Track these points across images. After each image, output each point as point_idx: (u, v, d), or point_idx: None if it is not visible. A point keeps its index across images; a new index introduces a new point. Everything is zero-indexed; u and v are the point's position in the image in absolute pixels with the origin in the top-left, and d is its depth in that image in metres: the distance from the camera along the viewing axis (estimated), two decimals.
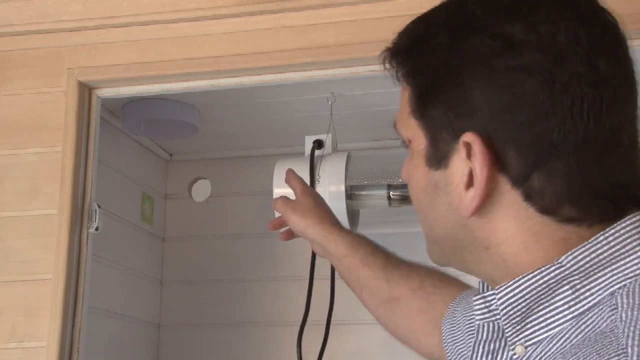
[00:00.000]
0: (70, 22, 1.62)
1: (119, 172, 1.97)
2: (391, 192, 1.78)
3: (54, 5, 1.63)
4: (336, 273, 1.80)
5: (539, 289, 0.68)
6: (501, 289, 0.71)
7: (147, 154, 2.14)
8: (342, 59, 1.52)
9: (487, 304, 0.74)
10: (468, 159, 0.70)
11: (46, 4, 1.63)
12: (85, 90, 1.62)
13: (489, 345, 0.75)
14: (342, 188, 1.75)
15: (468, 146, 0.70)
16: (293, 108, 1.93)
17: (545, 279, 0.68)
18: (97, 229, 1.57)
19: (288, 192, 1.79)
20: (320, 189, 1.75)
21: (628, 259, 0.66)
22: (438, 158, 0.73)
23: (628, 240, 0.67)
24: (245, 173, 2.19)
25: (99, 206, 1.58)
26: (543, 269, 0.68)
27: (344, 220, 1.76)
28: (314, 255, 1.76)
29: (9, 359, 1.50)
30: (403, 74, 0.77)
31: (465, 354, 0.96)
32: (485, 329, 0.75)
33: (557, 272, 0.68)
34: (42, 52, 1.64)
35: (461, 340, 0.99)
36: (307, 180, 1.75)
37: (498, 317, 0.72)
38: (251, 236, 2.15)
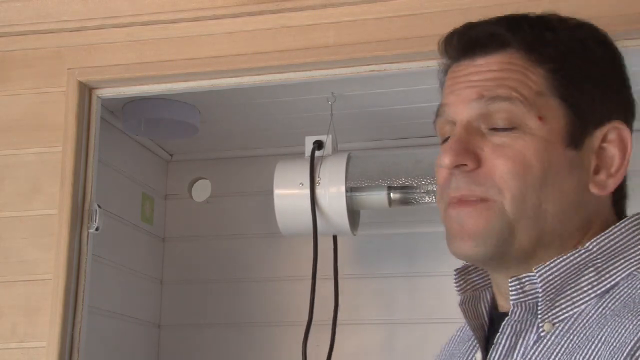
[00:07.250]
0: (71, 22, 1.62)
1: (119, 172, 1.97)
2: (391, 193, 1.78)
3: (55, 5, 1.63)
4: (339, 273, 1.81)
5: (571, 269, 0.80)
6: (541, 266, 0.80)
7: (147, 154, 2.14)
8: (342, 59, 1.52)
9: (522, 285, 0.81)
10: None
11: (46, 4, 1.63)
12: (86, 90, 1.62)
13: (517, 326, 0.82)
14: (343, 189, 1.75)
15: None
16: (293, 108, 1.93)
17: (576, 260, 0.80)
18: (97, 229, 1.57)
19: (288, 192, 1.80)
20: (320, 191, 1.75)
21: (635, 249, 0.82)
22: None
23: (633, 234, 0.83)
24: (245, 173, 2.18)
25: (99, 206, 1.58)
26: (575, 252, 0.81)
27: (344, 221, 1.76)
28: (315, 256, 1.76)
29: (9, 359, 1.50)
30: None
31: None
32: (518, 308, 0.81)
33: (584, 255, 0.81)
34: (43, 52, 1.64)
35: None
36: (307, 182, 1.75)
37: (530, 297, 0.81)
38: (251, 236, 2.15)
